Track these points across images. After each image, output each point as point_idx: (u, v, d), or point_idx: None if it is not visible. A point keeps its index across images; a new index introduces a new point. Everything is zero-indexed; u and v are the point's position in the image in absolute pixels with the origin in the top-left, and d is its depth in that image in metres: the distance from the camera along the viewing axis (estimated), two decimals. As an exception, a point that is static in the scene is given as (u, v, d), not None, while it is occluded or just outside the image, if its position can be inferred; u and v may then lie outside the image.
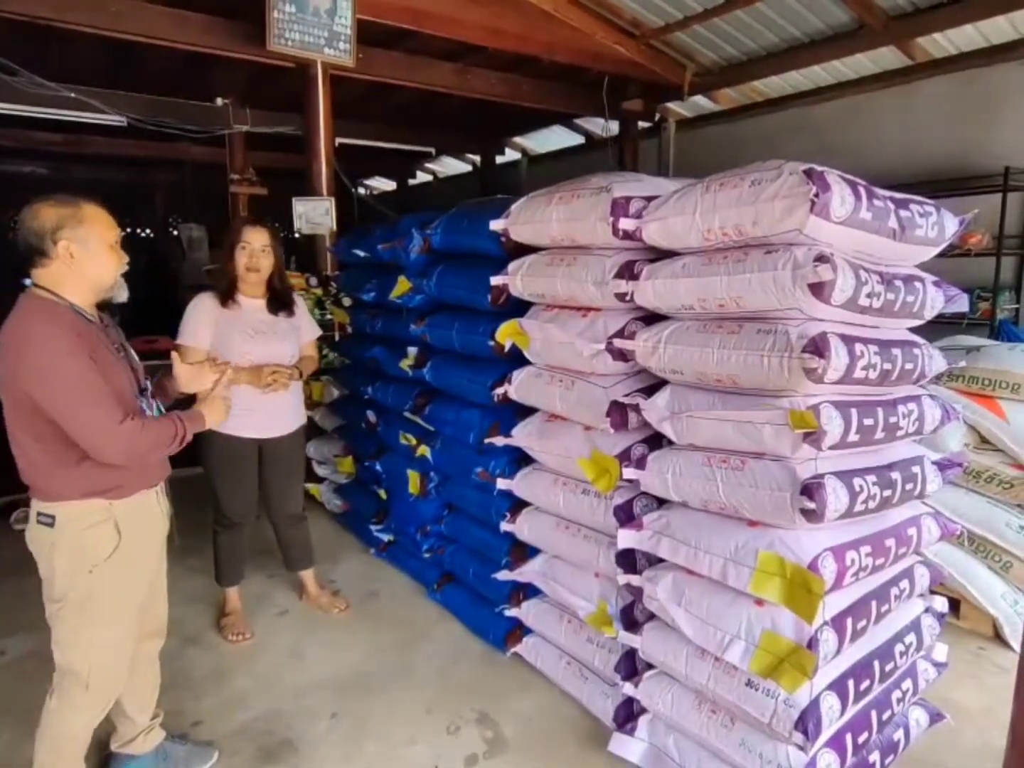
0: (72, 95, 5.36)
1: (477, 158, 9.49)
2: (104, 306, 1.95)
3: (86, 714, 1.91)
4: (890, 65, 5.20)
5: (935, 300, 2.06)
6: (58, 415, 1.70)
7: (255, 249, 2.77)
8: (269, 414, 2.85)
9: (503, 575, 2.74)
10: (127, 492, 1.87)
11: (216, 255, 7.71)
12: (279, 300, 2.90)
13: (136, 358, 2.00)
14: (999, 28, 4.52)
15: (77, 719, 1.91)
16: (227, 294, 2.79)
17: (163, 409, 1.97)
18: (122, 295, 1.94)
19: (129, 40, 4.51)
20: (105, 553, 1.83)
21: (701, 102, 6.58)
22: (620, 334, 2.17)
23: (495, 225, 2.57)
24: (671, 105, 6.73)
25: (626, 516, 2.22)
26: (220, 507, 2.92)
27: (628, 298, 2.13)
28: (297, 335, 2.96)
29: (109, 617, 1.87)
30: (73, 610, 1.83)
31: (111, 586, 1.85)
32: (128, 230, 11.20)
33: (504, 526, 2.70)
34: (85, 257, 1.79)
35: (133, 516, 1.89)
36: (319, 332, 3.16)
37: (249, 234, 2.78)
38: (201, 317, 2.76)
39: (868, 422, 1.85)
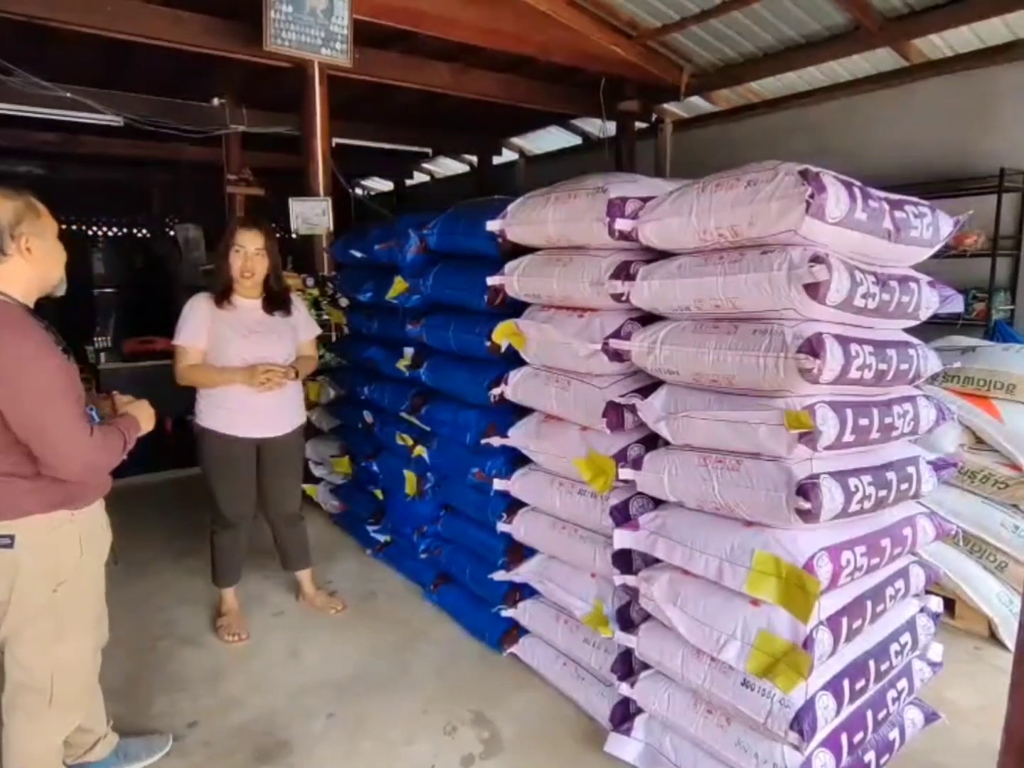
0: (68, 95, 5.34)
1: (474, 158, 9.48)
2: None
3: (52, 726, 1.88)
4: (886, 66, 5.21)
5: (930, 301, 2.07)
6: (24, 420, 1.61)
7: (249, 253, 2.76)
8: (266, 414, 2.85)
9: (499, 576, 2.74)
10: (88, 500, 1.83)
11: (211, 256, 7.70)
12: (275, 300, 2.89)
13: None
14: (994, 30, 4.54)
15: (46, 733, 1.87)
16: (223, 295, 2.79)
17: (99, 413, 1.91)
18: (62, 289, 1.87)
19: (125, 40, 4.50)
20: (71, 567, 1.78)
21: (698, 103, 6.59)
22: (616, 334, 2.17)
23: (492, 226, 2.57)
24: (668, 106, 6.74)
25: (622, 516, 2.23)
26: (218, 507, 2.92)
27: (624, 299, 2.14)
28: (294, 335, 2.96)
29: (70, 631, 1.82)
30: (38, 629, 1.77)
31: (75, 601, 1.81)
32: (125, 230, 11.19)
33: (500, 527, 2.70)
34: (41, 251, 1.71)
35: (91, 527, 1.85)
36: (318, 331, 3.15)
37: (243, 237, 2.76)
38: (197, 318, 2.76)
39: (863, 422, 1.85)
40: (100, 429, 1.74)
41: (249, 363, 2.75)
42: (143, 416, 1.93)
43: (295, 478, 3.17)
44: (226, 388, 2.75)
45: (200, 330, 2.75)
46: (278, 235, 3.43)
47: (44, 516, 1.72)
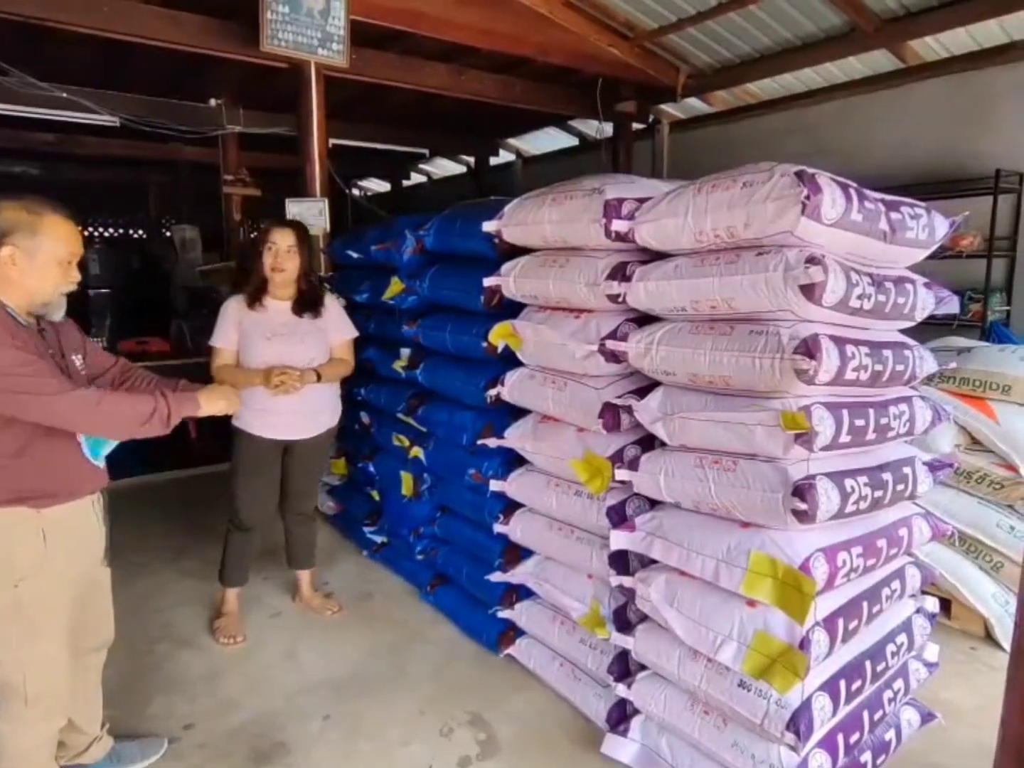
0: (64, 95, 5.32)
1: (471, 159, 9.48)
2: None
3: (37, 727, 1.85)
4: (882, 68, 5.22)
5: (926, 302, 2.07)
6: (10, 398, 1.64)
7: (280, 250, 2.80)
8: (290, 417, 2.86)
9: (496, 577, 2.74)
10: (56, 500, 1.80)
11: (210, 257, 7.70)
12: (305, 302, 2.90)
13: (77, 364, 1.92)
14: (990, 32, 4.55)
15: (31, 733, 1.85)
16: (255, 296, 2.83)
17: None
18: (56, 315, 1.87)
19: (122, 40, 4.49)
20: (31, 564, 1.76)
21: (695, 104, 6.60)
22: (613, 335, 2.18)
23: (488, 227, 2.57)
24: (665, 107, 6.74)
25: (619, 517, 2.23)
26: (235, 507, 2.93)
27: (620, 300, 2.14)
28: (323, 337, 2.94)
29: (40, 630, 1.80)
30: (5, 626, 1.76)
31: (40, 599, 1.79)
32: (121, 230, 11.18)
33: (497, 528, 2.70)
34: (27, 269, 1.73)
35: (63, 526, 1.82)
36: (354, 334, 3.07)
37: (275, 235, 2.81)
38: (228, 320, 2.83)
39: (859, 423, 1.86)
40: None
41: (270, 365, 2.77)
42: (213, 397, 2.01)
43: (315, 479, 3.22)
44: (252, 389, 2.77)
45: (230, 331, 2.82)
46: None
47: (4, 509, 1.72)
